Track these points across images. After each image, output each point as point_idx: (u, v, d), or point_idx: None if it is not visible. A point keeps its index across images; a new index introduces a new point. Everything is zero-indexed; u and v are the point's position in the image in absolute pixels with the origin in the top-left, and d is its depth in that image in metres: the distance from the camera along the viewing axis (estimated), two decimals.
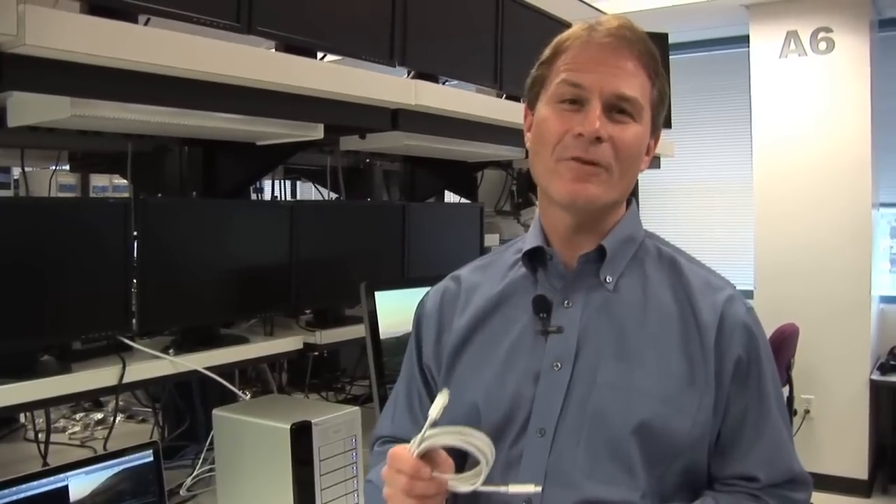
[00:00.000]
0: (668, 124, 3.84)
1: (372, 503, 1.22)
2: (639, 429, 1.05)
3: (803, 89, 4.72)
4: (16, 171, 2.96)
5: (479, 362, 1.17)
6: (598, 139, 1.06)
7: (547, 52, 1.15)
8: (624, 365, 1.08)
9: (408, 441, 1.03)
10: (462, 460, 1.05)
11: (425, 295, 1.31)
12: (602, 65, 1.08)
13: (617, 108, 1.08)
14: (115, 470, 1.59)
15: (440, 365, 1.22)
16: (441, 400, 1.01)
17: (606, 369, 1.08)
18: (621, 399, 1.07)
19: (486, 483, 1.01)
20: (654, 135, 1.16)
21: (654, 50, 1.12)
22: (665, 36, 3.68)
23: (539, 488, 1.02)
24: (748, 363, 1.09)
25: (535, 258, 1.18)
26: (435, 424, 1.01)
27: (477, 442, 1.01)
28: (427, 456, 1.02)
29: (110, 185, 3.12)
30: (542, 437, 1.08)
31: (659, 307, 1.12)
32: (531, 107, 1.17)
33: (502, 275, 1.22)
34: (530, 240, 1.18)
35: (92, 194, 2.96)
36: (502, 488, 1.02)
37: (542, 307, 1.13)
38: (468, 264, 1.30)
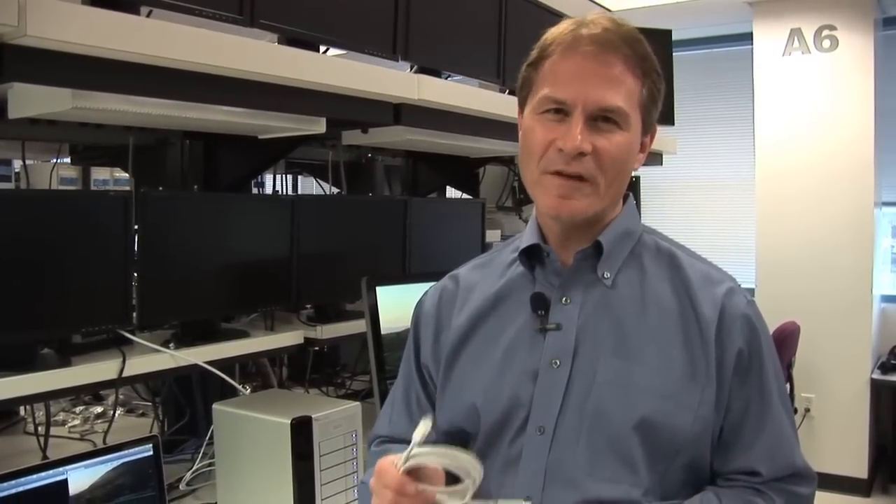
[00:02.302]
0: (670, 121, 3.85)
1: None
2: (640, 425, 1.05)
3: (806, 87, 4.71)
4: (17, 164, 2.96)
5: (478, 361, 1.17)
6: (581, 154, 1.05)
7: (533, 53, 1.13)
8: (623, 361, 1.08)
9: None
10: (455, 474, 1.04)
11: (423, 295, 1.30)
12: (584, 76, 1.06)
13: (601, 118, 1.06)
14: (115, 464, 1.58)
15: (439, 364, 1.22)
16: (423, 427, 1.01)
17: (606, 366, 1.08)
18: (621, 396, 1.06)
19: (474, 498, 1.01)
20: (649, 132, 1.15)
21: (643, 49, 1.09)
22: (668, 33, 3.67)
23: (529, 503, 1.02)
24: (749, 356, 1.08)
25: (533, 256, 1.17)
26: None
27: (463, 463, 1.00)
28: (416, 469, 1.01)
29: (111, 178, 3.12)
30: (541, 436, 1.08)
31: (658, 302, 1.11)
32: (521, 107, 1.17)
33: (500, 273, 1.22)
34: (527, 237, 1.18)
35: (93, 187, 2.96)
36: (490, 503, 1.02)
37: (539, 305, 1.13)
38: (466, 263, 1.30)
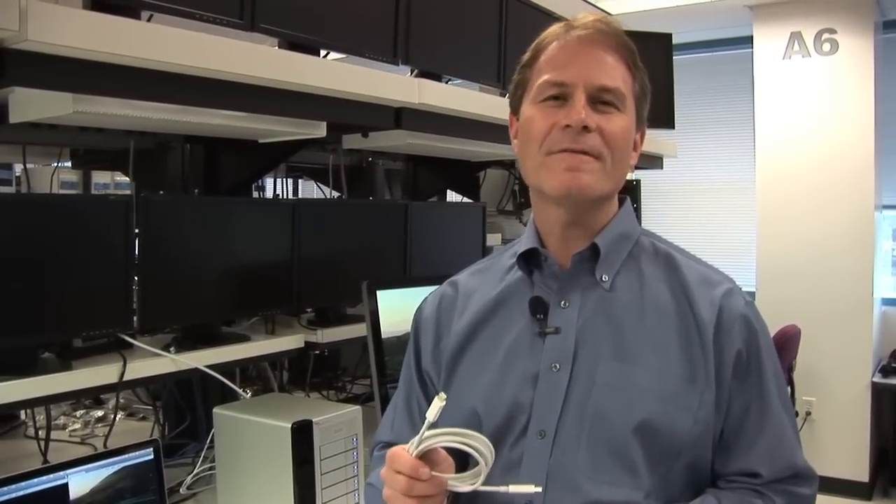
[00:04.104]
0: (671, 124, 3.86)
1: None
2: (640, 428, 1.05)
3: (807, 90, 4.71)
4: (18, 168, 2.96)
5: (478, 366, 1.17)
6: (586, 128, 1.06)
7: (527, 54, 1.15)
8: (623, 364, 1.08)
9: None
10: (464, 461, 1.04)
11: (423, 301, 1.31)
12: (582, 59, 1.08)
13: (601, 100, 1.08)
14: (116, 468, 1.58)
15: (439, 370, 1.22)
16: (438, 403, 1.01)
17: (605, 369, 1.08)
18: (621, 398, 1.06)
19: (486, 483, 1.01)
20: (640, 129, 1.16)
21: (630, 43, 1.12)
22: (669, 36, 3.68)
23: (539, 488, 1.02)
24: (748, 357, 1.08)
25: (531, 260, 1.17)
26: (434, 426, 1.01)
27: (475, 443, 1.00)
28: (426, 456, 1.01)
29: (112, 182, 3.12)
30: (542, 440, 1.08)
31: (656, 304, 1.11)
32: (515, 112, 1.17)
33: (499, 278, 1.22)
34: (525, 242, 1.18)
35: (93, 191, 2.96)
36: (502, 488, 1.01)
37: (538, 308, 1.13)
38: (466, 269, 1.30)
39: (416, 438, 1.00)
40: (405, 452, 1.01)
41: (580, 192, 1.08)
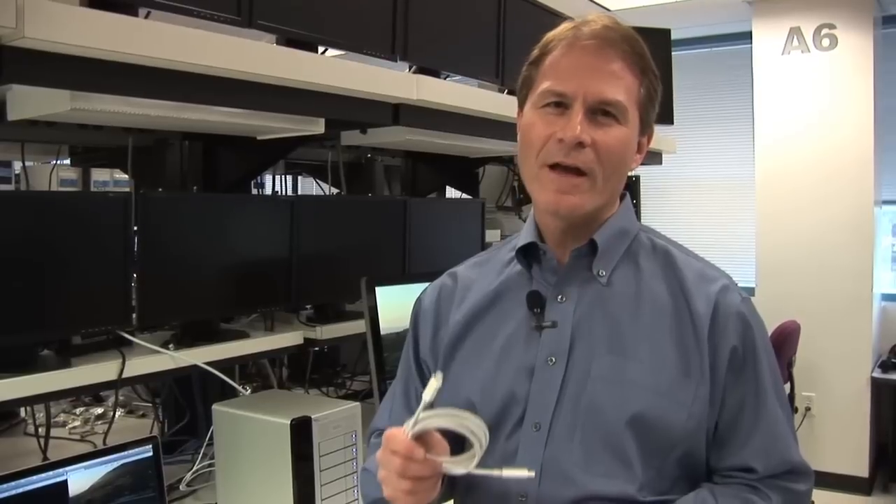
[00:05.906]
0: (670, 120, 3.84)
1: (367, 490, 1.23)
2: (633, 421, 1.05)
3: (806, 86, 4.71)
4: (17, 166, 2.97)
5: (475, 358, 1.18)
6: (580, 144, 1.06)
7: (534, 52, 1.15)
8: (618, 358, 1.08)
9: None
10: (460, 446, 1.05)
11: (422, 292, 1.32)
12: (585, 70, 1.07)
13: (601, 112, 1.07)
14: (115, 465, 1.58)
15: (437, 360, 1.23)
16: (434, 383, 1.02)
17: (600, 363, 1.09)
18: (615, 392, 1.07)
19: (480, 467, 1.01)
20: (646, 133, 1.16)
21: (641, 48, 1.11)
22: (668, 32, 3.67)
23: (532, 473, 1.02)
24: (743, 353, 1.09)
25: (530, 254, 1.18)
26: (431, 406, 1.01)
27: (471, 425, 1.01)
28: (422, 438, 1.02)
29: (111, 179, 3.13)
30: (537, 432, 1.08)
31: (653, 300, 1.11)
32: (521, 106, 1.18)
33: (498, 271, 1.23)
34: (524, 236, 1.19)
35: (93, 189, 2.96)
36: (496, 472, 1.02)
37: (535, 302, 1.14)
38: (465, 261, 1.31)
39: (412, 419, 1.01)
40: (401, 433, 1.02)
41: (569, 212, 1.10)
